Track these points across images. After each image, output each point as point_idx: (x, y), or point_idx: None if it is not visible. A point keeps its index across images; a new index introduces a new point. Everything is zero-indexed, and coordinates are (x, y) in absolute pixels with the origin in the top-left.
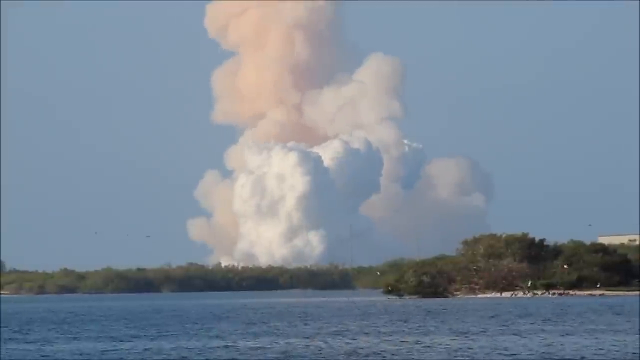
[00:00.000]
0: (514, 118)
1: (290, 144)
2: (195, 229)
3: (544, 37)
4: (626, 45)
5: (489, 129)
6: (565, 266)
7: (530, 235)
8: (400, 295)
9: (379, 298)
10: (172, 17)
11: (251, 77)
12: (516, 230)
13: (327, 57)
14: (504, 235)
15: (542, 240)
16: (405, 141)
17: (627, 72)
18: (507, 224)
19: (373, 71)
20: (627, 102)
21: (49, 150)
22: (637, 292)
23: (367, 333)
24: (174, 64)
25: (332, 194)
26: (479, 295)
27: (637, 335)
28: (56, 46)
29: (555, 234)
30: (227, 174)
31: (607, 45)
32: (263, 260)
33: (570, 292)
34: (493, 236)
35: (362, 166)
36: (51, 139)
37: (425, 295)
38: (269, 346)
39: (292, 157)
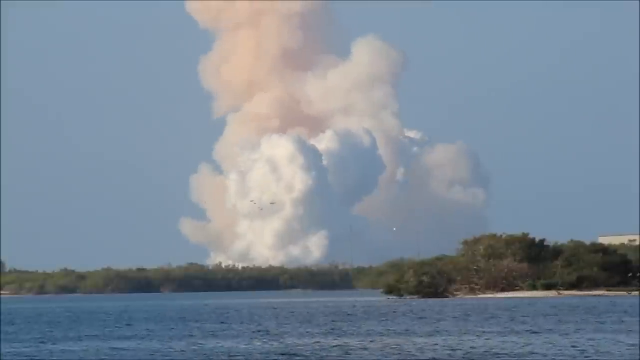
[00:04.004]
0: (514, 117)
1: (286, 136)
2: (191, 228)
3: (543, 36)
4: (626, 45)
5: (488, 128)
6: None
7: (530, 235)
8: (400, 296)
9: (378, 298)
10: (156, 9)
11: (242, 67)
12: (516, 230)
13: (322, 45)
14: (504, 235)
15: (542, 240)
16: (404, 134)
17: (627, 72)
18: (507, 224)
19: (370, 60)
20: (627, 102)
21: (49, 151)
22: (638, 292)
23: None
24: (164, 60)
25: (332, 192)
26: (479, 296)
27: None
28: (50, 45)
29: (555, 234)
30: (221, 170)
31: (607, 45)
32: (261, 260)
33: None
34: (493, 236)
35: (361, 162)
36: (51, 139)
37: (425, 295)
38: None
39: (288, 151)
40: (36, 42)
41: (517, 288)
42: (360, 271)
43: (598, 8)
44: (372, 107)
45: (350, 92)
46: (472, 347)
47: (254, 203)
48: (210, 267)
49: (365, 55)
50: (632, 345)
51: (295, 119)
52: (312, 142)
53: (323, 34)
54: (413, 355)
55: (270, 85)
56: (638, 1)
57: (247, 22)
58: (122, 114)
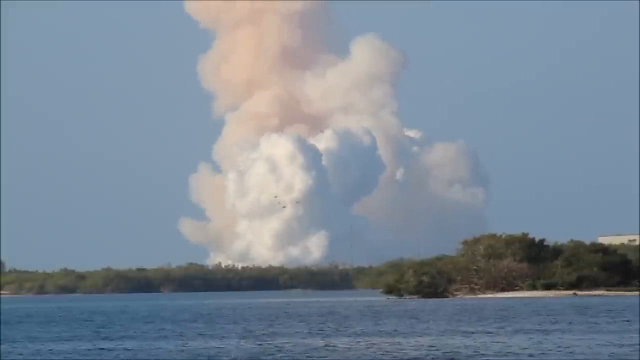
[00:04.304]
0: (514, 117)
1: (285, 135)
2: (191, 228)
3: (543, 37)
4: (626, 45)
5: (488, 128)
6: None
7: (530, 236)
8: (400, 296)
9: (378, 298)
10: (156, 9)
11: (241, 66)
12: (516, 230)
13: (321, 44)
14: (504, 235)
15: (542, 240)
16: (404, 134)
17: (627, 72)
18: (507, 224)
19: (369, 59)
20: (627, 102)
21: (49, 151)
22: (637, 292)
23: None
24: (163, 60)
25: (332, 192)
26: (479, 296)
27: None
28: (50, 45)
29: (555, 234)
30: (220, 170)
31: (608, 45)
32: (261, 260)
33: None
34: (493, 236)
35: (360, 162)
36: (50, 140)
37: (425, 295)
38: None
39: (288, 151)
40: (36, 42)
41: (517, 288)
42: (360, 271)
43: (598, 8)
44: (371, 107)
45: (349, 91)
46: (457, 347)
47: (278, 202)
48: (210, 267)
49: (365, 54)
50: (621, 345)
51: (295, 118)
52: (311, 141)
53: (322, 33)
54: (396, 355)
55: (270, 84)
56: (638, 1)
57: (247, 21)
58: (121, 114)
